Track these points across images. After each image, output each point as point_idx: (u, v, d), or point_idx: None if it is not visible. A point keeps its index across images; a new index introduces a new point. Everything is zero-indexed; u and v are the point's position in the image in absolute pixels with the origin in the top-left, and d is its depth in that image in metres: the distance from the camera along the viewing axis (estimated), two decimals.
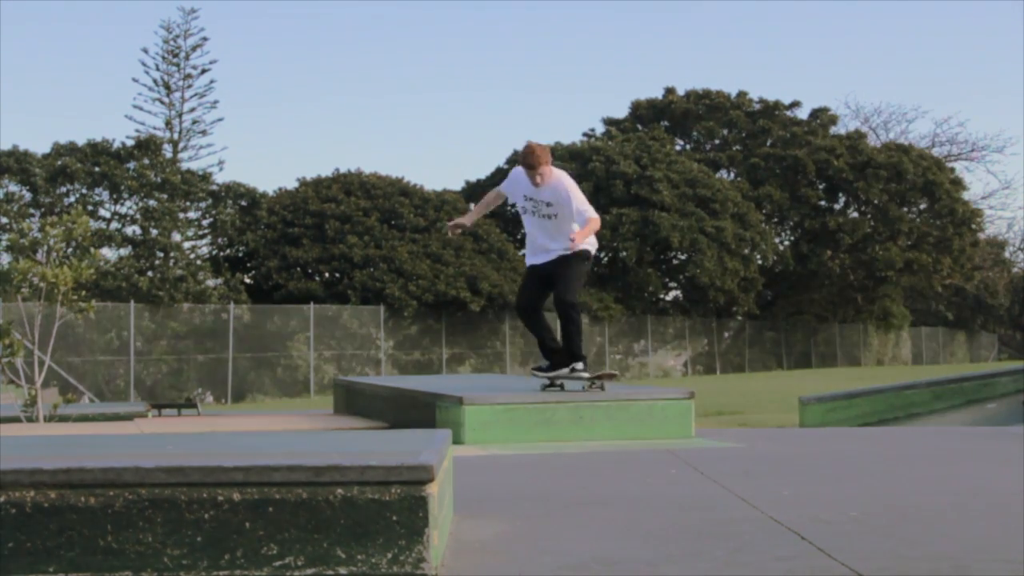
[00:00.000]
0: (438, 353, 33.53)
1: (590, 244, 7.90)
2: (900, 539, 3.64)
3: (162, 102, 35.30)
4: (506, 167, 42.64)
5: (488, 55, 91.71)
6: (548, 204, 7.74)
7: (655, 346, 41.75)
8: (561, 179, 7.77)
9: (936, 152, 55.78)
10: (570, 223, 7.72)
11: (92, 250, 12.36)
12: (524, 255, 9.43)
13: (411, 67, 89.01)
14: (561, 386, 7.97)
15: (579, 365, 7.83)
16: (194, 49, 35.32)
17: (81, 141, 31.22)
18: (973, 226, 49.18)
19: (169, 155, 33.67)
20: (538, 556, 3.46)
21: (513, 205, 8.22)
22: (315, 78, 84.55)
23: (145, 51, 37.29)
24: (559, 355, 7.90)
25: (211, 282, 31.45)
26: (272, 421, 11.02)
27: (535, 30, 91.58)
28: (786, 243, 47.77)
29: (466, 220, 8.12)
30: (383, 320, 32.26)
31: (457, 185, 43.45)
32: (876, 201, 46.58)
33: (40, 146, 58.09)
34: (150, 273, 30.25)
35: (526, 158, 7.68)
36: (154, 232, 30.84)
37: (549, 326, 8.10)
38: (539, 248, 7.96)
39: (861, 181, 45.81)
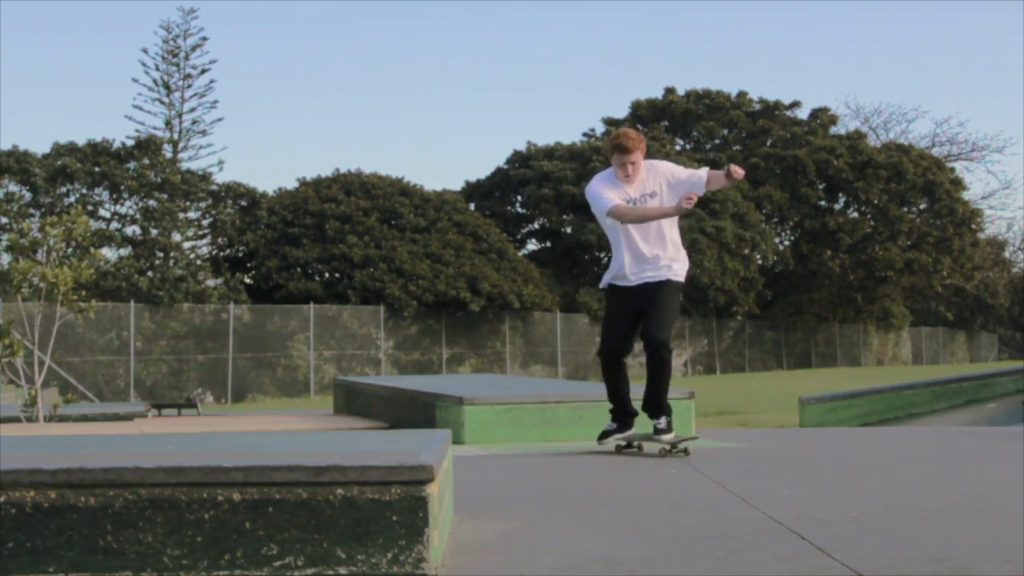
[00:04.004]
0: (438, 353, 33.51)
1: (684, 267, 6.37)
2: (900, 539, 3.64)
3: (162, 102, 35.28)
4: (506, 167, 42.55)
5: (488, 55, 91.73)
6: (652, 195, 6.21)
7: None
8: (654, 164, 6.31)
9: (936, 152, 55.71)
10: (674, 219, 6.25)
11: (92, 250, 12.38)
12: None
13: (411, 67, 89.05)
14: (639, 447, 6.55)
15: (662, 423, 6.34)
16: (194, 49, 35.28)
17: (81, 141, 31.17)
18: (973, 226, 49.15)
19: (169, 155, 33.62)
20: (538, 556, 3.45)
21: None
22: (315, 78, 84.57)
23: (145, 51, 37.23)
24: (631, 416, 6.51)
25: (211, 282, 31.41)
26: (272, 421, 11.02)
27: (535, 30, 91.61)
28: (786, 243, 47.75)
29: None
30: (383, 320, 32.24)
31: (457, 185, 43.39)
32: (876, 201, 46.56)
33: (40, 146, 57.99)
34: (150, 273, 30.22)
35: (616, 140, 6.20)
36: (154, 232, 30.81)
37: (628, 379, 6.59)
38: (636, 261, 6.27)
39: (861, 181, 45.80)
